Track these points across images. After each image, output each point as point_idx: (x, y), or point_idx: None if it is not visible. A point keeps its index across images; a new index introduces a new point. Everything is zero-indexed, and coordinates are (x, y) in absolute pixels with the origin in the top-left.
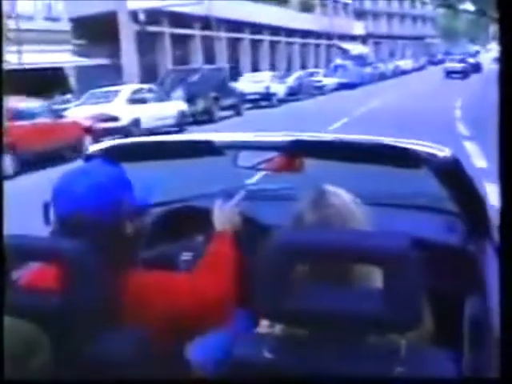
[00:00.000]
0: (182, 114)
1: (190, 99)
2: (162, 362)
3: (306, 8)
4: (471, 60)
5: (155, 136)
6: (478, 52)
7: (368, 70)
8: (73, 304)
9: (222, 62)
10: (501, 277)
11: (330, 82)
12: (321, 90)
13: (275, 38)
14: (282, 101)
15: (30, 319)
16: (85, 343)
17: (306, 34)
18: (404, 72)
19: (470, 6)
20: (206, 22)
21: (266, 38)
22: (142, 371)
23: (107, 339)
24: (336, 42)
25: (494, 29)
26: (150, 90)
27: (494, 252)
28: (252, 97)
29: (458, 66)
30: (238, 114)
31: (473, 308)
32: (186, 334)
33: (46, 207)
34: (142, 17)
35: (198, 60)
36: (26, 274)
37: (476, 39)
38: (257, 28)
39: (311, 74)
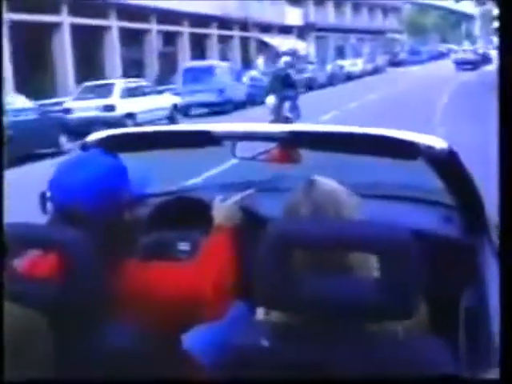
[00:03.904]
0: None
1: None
2: (160, 352)
3: None
4: (480, 51)
5: (152, 126)
6: (450, 51)
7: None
8: (72, 293)
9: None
10: (501, 275)
11: (147, 106)
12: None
13: (142, 26)
14: None
15: (29, 307)
16: (84, 333)
17: (203, 20)
18: (350, 77)
19: (441, 2)
20: None
21: (131, 25)
22: (140, 362)
23: (107, 329)
24: (256, 34)
25: (466, 26)
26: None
27: (490, 244)
28: None
29: (469, 56)
30: None
31: (469, 299)
32: (184, 324)
33: (42, 197)
34: None
35: None
36: (23, 261)
37: (447, 36)
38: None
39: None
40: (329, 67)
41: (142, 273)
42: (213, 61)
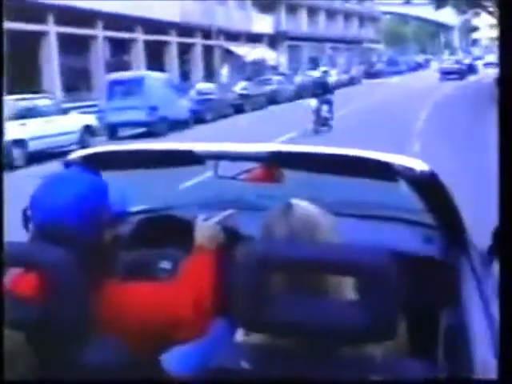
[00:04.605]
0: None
1: None
2: (139, 371)
3: None
4: (466, 61)
5: (135, 144)
6: (428, 61)
7: (239, 87)
8: (53, 313)
9: None
10: (500, 278)
11: (44, 130)
12: None
13: (85, 32)
14: None
15: (10, 327)
16: (64, 352)
17: (159, 27)
18: None
19: (420, 12)
20: None
21: (72, 30)
22: (120, 380)
23: (87, 348)
24: (221, 42)
25: (445, 36)
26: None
27: (470, 262)
28: None
29: (454, 66)
30: None
31: (448, 319)
32: (163, 344)
33: (25, 213)
34: None
35: None
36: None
37: (426, 47)
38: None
39: None
40: (298, 79)
41: (122, 292)
42: (144, 71)
